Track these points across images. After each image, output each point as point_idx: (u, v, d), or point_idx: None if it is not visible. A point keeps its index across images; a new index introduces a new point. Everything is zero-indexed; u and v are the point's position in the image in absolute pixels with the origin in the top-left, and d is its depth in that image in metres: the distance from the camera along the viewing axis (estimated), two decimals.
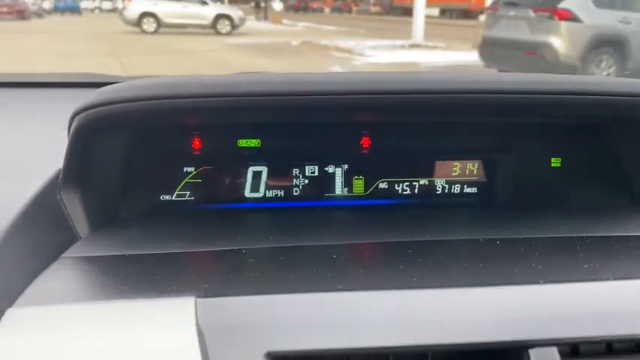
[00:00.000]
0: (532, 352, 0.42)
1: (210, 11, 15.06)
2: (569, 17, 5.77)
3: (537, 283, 0.48)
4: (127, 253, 0.57)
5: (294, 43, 12.04)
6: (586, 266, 0.53)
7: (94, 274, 0.52)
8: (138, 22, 14.38)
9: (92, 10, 30.79)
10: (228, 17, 15.09)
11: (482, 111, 0.69)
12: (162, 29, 14.27)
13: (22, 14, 19.81)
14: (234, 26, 15.00)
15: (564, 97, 0.64)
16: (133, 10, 14.37)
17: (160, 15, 14.43)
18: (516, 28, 6.29)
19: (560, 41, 5.76)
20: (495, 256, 0.58)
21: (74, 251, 0.58)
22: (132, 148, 0.72)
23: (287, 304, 0.45)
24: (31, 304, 0.45)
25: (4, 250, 0.53)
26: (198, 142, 0.82)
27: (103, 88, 0.58)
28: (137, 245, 0.60)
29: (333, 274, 0.51)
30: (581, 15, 5.77)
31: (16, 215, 0.57)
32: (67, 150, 0.63)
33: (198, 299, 0.44)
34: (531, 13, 6.08)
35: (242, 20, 15.35)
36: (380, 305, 0.45)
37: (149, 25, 14.35)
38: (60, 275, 0.52)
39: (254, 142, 0.83)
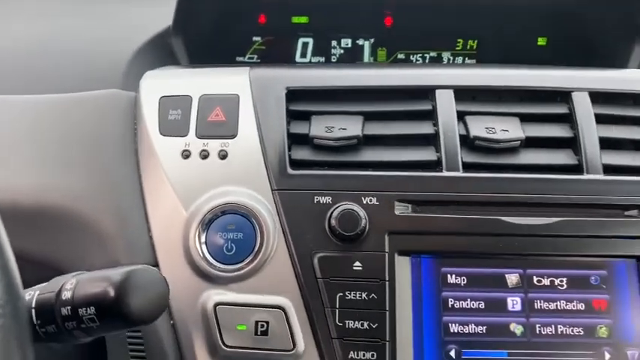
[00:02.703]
0: (437, 92, 0.72)
1: None
2: None
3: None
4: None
5: None
6: None
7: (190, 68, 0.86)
8: None
9: None
10: None
11: None
12: None
13: None
14: None
15: None
16: None
17: None
18: None
19: None
20: None
21: None
22: (221, 15, 1.05)
23: (303, 71, 0.77)
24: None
25: (135, 61, 0.88)
26: (264, 18, 1.13)
27: None
28: None
29: None
30: None
31: (139, 46, 0.91)
32: (176, 6, 0.95)
33: (251, 69, 0.77)
34: None
35: None
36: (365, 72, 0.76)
37: None
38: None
39: (304, 19, 1.13)
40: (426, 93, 0.73)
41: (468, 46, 1.15)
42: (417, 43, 1.14)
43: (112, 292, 0.43)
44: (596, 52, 1.04)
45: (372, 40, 1.14)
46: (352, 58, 1.15)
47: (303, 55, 1.15)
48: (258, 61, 1.15)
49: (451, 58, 1.15)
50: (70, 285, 0.47)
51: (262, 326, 0.64)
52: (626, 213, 0.68)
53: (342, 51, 1.15)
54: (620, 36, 0.97)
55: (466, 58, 1.15)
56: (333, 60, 1.15)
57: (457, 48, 1.15)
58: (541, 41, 1.13)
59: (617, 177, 0.69)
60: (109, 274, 0.45)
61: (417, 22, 1.12)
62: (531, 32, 1.11)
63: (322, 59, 1.15)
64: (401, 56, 1.15)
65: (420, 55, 1.15)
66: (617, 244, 0.67)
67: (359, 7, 1.11)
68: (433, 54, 1.15)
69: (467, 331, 0.66)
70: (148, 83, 0.76)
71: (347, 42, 1.15)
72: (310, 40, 1.14)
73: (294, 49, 1.15)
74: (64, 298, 0.47)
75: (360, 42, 1.14)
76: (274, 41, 1.14)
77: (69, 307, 0.46)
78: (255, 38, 1.15)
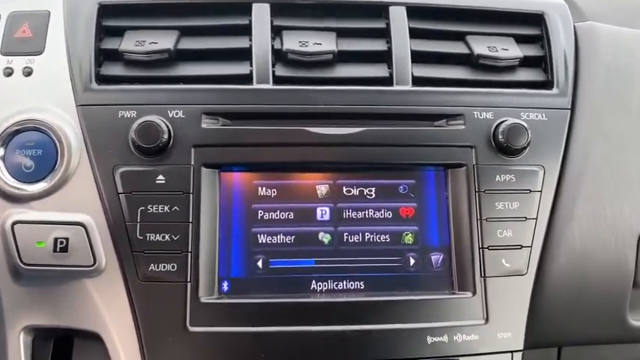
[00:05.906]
0: (254, 6, 0.70)
1: None
2: None
3: None
4: None
5: None
6: None
7: None
8: None
9: None
10: None
11: None
12: None
13: None
14: None
15: None
16: None
17: None
18: None
19: None
20: None
21: None
22: None
23: None
24: None
25: None
26: None
27: None
28: None
29: None
30: None
31: None
32: None
33: None
34: None
35: None
36: None
37: None
38: None
39: None
40: (244, 8, 0.72)
41: None
42: None
43: None
44: None
45: None
46: None
47: None
48: None
49: None
50: None
51: (62, 243, 0.62)
52: (436, 123, 0.69)
53: None
54: None
55: None
56: None
57: None
58: None
59: (426, 88, 0.70)
60: None
61: None
62: None
63: None
64: None
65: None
66: (425, 152, 0.68)
67: None
68: None
69: (275, 242, 0.66)
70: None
71: None
72: None
73: None
74: None
75: None
76: None
77: None
78: None
